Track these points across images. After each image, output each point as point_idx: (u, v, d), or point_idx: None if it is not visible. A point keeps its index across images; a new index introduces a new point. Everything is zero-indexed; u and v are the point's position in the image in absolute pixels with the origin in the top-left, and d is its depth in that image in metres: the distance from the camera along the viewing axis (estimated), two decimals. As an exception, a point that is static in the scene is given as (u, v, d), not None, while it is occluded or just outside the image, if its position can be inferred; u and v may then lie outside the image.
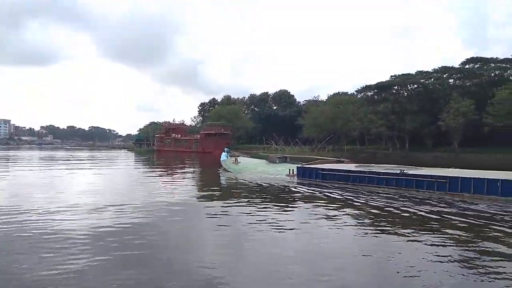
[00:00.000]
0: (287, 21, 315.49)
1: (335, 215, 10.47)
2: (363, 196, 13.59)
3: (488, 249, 7.14)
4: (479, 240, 7.75)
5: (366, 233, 8.58)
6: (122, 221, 9.29)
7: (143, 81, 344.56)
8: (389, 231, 8.79)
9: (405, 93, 62.77)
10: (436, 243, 7.51)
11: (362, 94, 68.40)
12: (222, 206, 11.82)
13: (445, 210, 11.03)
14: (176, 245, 7.59)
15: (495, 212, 10.71)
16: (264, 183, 17.50)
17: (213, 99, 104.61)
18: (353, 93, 72.76)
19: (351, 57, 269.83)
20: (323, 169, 17.47)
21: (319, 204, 12.48)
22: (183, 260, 6.50)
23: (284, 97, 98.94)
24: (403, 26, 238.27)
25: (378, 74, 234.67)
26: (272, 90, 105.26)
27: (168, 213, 10.41)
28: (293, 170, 18.68)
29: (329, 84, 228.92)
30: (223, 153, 27.59)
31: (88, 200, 12.35)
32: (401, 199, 13.02)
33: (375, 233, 8.53)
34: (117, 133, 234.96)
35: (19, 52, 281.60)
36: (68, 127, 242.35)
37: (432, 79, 60.95)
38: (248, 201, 12.85)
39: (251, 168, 22.35)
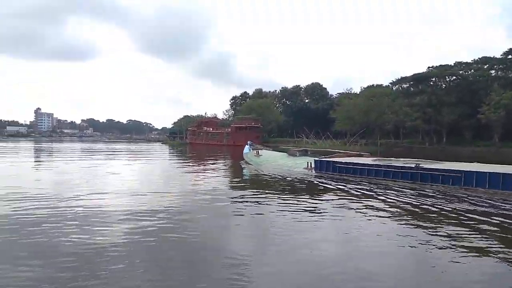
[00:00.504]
0: (320, 13, 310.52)
1: (358, 208, 10.38)
2: (379, 190, 13.31)
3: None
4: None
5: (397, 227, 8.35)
6: (162, 204, 10.34)
7: (177, 75, 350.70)
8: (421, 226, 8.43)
9: (443, 85, 60.39)
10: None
11: (397, 86, 66.39)
12: (239, 196, 12.12)
13: (486, 210, 10.16)
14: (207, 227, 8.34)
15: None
16: (282, 175, 17.67)
17: (245, 92, 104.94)
18: (388, 85, 70.56)
19: (386, 48, 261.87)
20: (339, 163, 17.53)
21: (333, 196, 12.48)
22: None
23: (316, 90, 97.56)
24: (441, 14, 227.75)
25: (414, 66, 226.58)
26: (304, 83, 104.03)
27: (193, 202, 11.02)
28: (311, 163, 18.80)
29: (363, 77, 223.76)
30: (246, 146, 27.80)
31: (129, 188, 13.59)
32: (421, 194, 12.45)
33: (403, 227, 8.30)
34: (153, 126, 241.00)
35: (59, 48, 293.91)
36: (107, 120, 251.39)
37: (472, 70, 58.27)
38: (265, 192, 13.19)
39: (271, 161, 22.56)
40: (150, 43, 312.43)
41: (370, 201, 11.55)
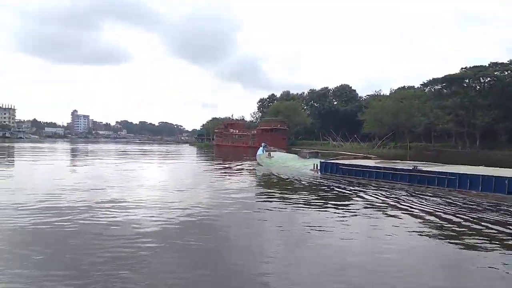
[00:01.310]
0: (351, 13, 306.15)
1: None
2: (372, 190, 13.64)
3: None
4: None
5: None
6: (189, 200, 10.93)
7: (207, 78, 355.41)
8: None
9: (477, 87, 57.96)
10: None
11: (428, 88, 64.28)
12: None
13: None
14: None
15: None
16: (287, 176, 17.95)
17: (272, 94, 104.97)
18: (419, 87, 68.45)
19: (419, 48, 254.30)
20: (343, 165, 17.83)
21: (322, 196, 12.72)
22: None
23: (345, 92, 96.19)
24: (476, 13, 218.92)
25: (448, 67, 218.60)
26: (333, 85, 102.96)
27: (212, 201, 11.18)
28: (317, 165, 19.02)
29: (395, 78, 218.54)
30: (260, 148, 27.79)
31: (156, 185, 14.38)
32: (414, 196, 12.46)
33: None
34: (183, 128, 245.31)
35: (94, 52, 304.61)
36: (139, 122, 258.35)
37: (509, 71, 55.55)
38: (267, 191, 13.95)
39: (281, 162, 22.83)
40: (180, 47, 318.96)
41: (359, 199, 11.99)
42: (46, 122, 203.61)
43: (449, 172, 13.83)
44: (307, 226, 8.19)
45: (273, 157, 24.30)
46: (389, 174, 15.48)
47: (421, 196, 12.39)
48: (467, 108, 53.01)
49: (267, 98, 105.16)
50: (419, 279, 5.25)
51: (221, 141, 77.75)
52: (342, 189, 13.91)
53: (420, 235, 7.52)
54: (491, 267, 5.66)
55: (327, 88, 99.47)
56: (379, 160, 19.80)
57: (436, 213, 9.60)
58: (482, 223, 8.42)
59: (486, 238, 7.24)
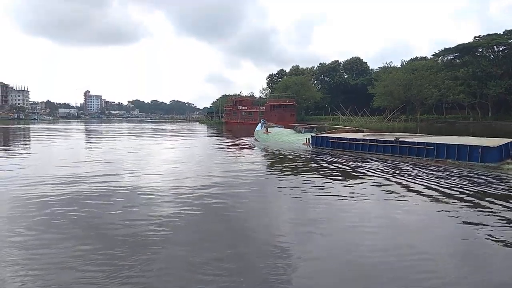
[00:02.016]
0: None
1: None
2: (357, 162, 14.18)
3: None
4: None
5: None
6: (193, 173, 11.72)
7: (218, 55, 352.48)
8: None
9: (491, 56, 56.14)
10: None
11: (440, 58, 62.55)
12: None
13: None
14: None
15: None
16: (280, 150, 18.85)
17: (282, 70, 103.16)
18: (431, 57, 66.63)
19: (432, 15, 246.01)
20: (332, 138, 18.40)
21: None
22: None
23: (356, 65, 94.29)
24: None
25: (462, 36, 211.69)
26: (343, 58, 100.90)
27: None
28: (308, 139, 19.59)
29: (409, 48, 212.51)
30: (259, 124, 27.93)
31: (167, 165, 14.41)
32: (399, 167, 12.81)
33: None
34: (195, 106, 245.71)
35: (103, 32, 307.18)
36: (151, 101, 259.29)
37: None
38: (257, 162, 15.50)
39: (276, 138, 23.15)
40: (189, 24, 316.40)
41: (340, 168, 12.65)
42: (60, 103, 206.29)
43: (427, 143, 14.40)
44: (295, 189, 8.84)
45: (270, 132, 24.69)
46: (374, 146, 16.20)
47: (400, 166, 12.84)
48: (480, 79, 51.60)
49: (276, 73, 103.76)
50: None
51: (230, 118, 77.60)
52: (325, 161, 14.52)
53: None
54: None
55: (337, 61, 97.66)
56: (368, 133, 20.17)
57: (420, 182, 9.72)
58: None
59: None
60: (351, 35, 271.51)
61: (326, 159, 14.89)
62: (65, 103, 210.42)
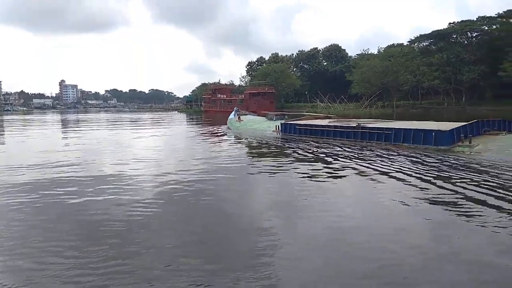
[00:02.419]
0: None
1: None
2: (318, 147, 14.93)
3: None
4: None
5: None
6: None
7: (197, 43, 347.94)
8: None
9: (465, 42, 57.17)
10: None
11: (416, 44, 63.34)
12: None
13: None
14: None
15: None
16: (250, 137, 19.56)
17: (261, 57, 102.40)
18: (407, 44, 67.38)
19: (412, 2, 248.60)
20: (299, 125, 18.96)
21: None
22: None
23: (334, 52, 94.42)
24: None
25: (441, 23, 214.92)
26: (324, 45, 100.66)
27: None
28: (278, 126, 20.03)
29: (388, 35, 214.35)
30: (232, 112, 28.05)
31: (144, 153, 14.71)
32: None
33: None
34: (175, 95, 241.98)
35: (80, 20, 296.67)
36: (130, 90, 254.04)
37: (497, 25, 54.63)
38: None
39: (248, 125, 23.60)
40: (168, 11, 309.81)
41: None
42: (34, 94, 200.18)
43: (386, 128, 15.18)
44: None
45: (242, 120, 25.12)
46: (338, 132, 16.87)
47: (357, 149, 13.80)
48: (454, 64, 52.61)
49: (256, 61, 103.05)
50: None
51: (209, 106, 76.90)
52: (290, 146, 15.41)
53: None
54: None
55: (316, 48, 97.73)
56: (334, 119, 20.91)
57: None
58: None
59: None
60: (331, 22, 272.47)
61: (291, 145, 15.66)
62: (40, 94, 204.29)
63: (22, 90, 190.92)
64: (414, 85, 56.60)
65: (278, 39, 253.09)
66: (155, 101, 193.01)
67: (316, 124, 18.58)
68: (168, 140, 19.96)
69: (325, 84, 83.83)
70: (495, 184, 7.81)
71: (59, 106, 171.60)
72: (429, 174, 8.99)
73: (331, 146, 14.77)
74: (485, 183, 7.94)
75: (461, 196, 6.96)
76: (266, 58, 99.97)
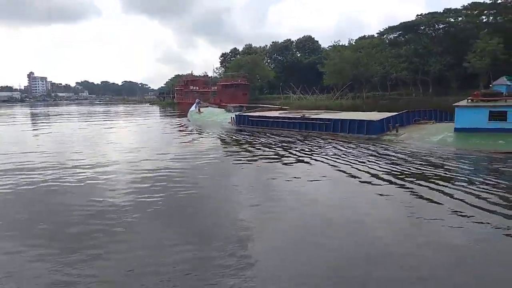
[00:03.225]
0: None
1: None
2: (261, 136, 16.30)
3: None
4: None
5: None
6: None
7: (171, 33, 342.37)
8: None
9: (433, 34, 58.45)
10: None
11: (385, 36, 64.37)
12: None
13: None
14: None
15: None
16: (205, 128, 20.76)
17: (235, 48, 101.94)
18: (377, 36, 68.39)
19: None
20: (251, 116, 20.01)
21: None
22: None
23: (308, 43, 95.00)
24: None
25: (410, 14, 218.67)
26: (298, 36, 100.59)
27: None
28: (233, 117, 21.06)
29: (362, 26, 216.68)
30: (194, 104, 28.66)
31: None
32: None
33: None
34: (149, 87, 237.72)
35: (49, 8, 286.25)
36: (102, 82, 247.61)
37: (462, 17, 56.13)
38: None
39: (206, 117, 24.53)
40: (140, 1, 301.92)
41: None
42: (1, 86, 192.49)
43: (326, 118, 16.38)
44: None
45: (202, 112, 25.52)
46: (285, 122, 17.94)
47: (293, 138, 15.10)
48: (421, 56, 53.81)
49: (230, 52, 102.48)
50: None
51: (181, 98, 75.96)
52: (240, 136, 16.76)
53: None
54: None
55: (289, 40, 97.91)
56: (285, 111, 21.98)
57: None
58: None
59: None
60: (306, 13, 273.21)
61: (240, 135, 16.94)
62: (7, 86, 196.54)
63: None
64: (383, 76, 57.64)
65: (253, 29, 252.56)
66: (129, 94, 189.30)
67: (266, 115, 19.62)
68: (121, 134, 20.43)
69: (299, 75, 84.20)
70: (397, 163, 9.70)
71: (27, 99, 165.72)
72: (344, 158, 10.75)
73: (272, 136, 15.99)
74: (389, 165, 9.62)
75: (368, 173, 8.79)
76: (240, 49, 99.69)
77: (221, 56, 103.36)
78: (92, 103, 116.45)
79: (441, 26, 56.71)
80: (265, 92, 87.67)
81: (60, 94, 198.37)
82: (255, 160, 10.97)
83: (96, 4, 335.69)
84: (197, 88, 74.02)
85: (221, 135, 17.64)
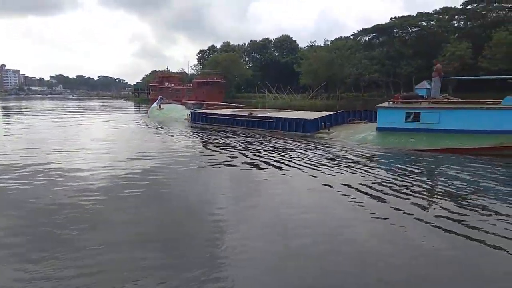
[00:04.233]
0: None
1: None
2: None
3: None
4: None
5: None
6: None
7: (150, 28, 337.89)
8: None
9: (406, 37, 59.73)
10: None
11: (359, 38, 65.35)
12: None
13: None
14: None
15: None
16: (162, 124, 21.22)
17: (212, 46, 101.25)
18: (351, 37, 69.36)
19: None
20: (206, 114, 20.81)
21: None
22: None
23: (286, 43, 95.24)
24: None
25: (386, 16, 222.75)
26: (277, 35, 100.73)
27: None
28: (189, 114, 21.78)
29: (337, 28, 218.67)
30: (156, 100, 28.97)
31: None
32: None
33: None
34: (126, 82, 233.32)
35: (23, 0, 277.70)
36: (77, 76, 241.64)
37: (434, 21, 57.56)
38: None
39: (165, 113, 25.05)
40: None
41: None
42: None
43: (269, 117, 17.44)
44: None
45: (163, 109, 26.12)
46: (234, 120, 18.85)
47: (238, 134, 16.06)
48: (393, 58, 54.86)
49: (207, 49, 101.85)
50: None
51: (156, 95, 74.92)
52: (192, 131, 17.81)
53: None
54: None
55: (267, 39, 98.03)
56: (237, 109, 23.02)
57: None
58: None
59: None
60: (285, 12, 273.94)
61: (191, 131, 17.99)
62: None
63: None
64: (356, 77, 58.50)
65: (233, 26, 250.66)
66: (105, 88, 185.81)
67: (217, 113, 20.60)
68: (73, 130, 20.50)
69: (276, 75, 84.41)
70: (319, 156, 10.95)
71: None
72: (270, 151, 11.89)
73: (220, 132, 16.97)
74: (310, 157, 10.81)
75: (289, 163, 9.85)
76: (218, 47, 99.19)
77: (198, 53, 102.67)
78: (65, 98, 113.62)
79: (413, 30, 57.90)
80: (242, 90, 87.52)
81: (34, 88, 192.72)
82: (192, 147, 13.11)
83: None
84: (172, 84, 73.12)
85: (177, 130, 18.81)
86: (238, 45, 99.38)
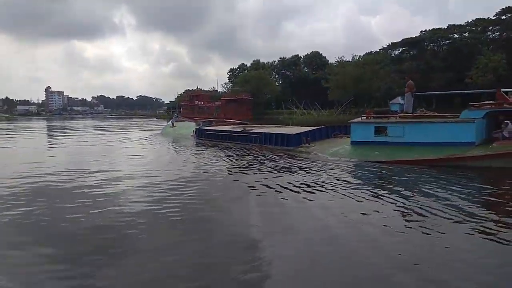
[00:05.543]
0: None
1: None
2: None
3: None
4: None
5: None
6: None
7: (186, 49, 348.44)
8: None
9: (438, 50, 58.08)
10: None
11: (389, 52, 64.20)
12: None
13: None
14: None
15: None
16: (171, 140, 22.82)
17: (242, 64, 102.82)
18: (380, 51, 68.21)
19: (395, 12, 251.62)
20: (208, 130, 21.93)
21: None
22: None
23: (315, 59, 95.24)
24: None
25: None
26: (307, 51, 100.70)
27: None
28: (194, 131, 23.14)
29: (367, 42, 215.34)
30: (172, 119, 30.34)
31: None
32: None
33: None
34: (163, 101, 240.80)
35: (67, 25, 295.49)
36: (117, 97, 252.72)
37: (466, 33, 55.67)
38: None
39: (177, 131, 26.39)
40: (154, 18, 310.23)
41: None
42: (19, 100, 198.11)
43: (259, 132, 18.44)
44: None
45: (175, 126, 27.58)
46: (231, 136, 19.84)
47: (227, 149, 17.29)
48: (424, 72, 53.34)
49: (237, 67, 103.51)
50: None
51: (186, 113, 76.74)
52: (192, 145, 19.79)
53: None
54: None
55: (297, 55, 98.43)
56: (237, 126, 23.81)
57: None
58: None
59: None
60: (316, 28, 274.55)
61: (190, 144, 19.76)
62: (25, 100, 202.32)
63: (6, 97, 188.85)
64: (386, 92, 57.24)
65: (264, 45, 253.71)
66: (142, 108, 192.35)
67: (217, 129, 21.67)
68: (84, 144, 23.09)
69: (305, 91, 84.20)
70: (295, 165, 12.53)
71: (43, 112, 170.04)
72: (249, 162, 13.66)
73: (214, 147, 18.32)
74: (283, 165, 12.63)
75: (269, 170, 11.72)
76: (248, 65, 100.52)
77: (229, 71, 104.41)
78: (105, 117, 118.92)
79: (445, 42, 56.26)
80: (272, 107, 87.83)
81: (76, 108, 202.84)
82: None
83: (112, 21, 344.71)
84: (202, 103, 74.69)
85: (181, 144, 20.30)
86: (268, 62, 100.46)
